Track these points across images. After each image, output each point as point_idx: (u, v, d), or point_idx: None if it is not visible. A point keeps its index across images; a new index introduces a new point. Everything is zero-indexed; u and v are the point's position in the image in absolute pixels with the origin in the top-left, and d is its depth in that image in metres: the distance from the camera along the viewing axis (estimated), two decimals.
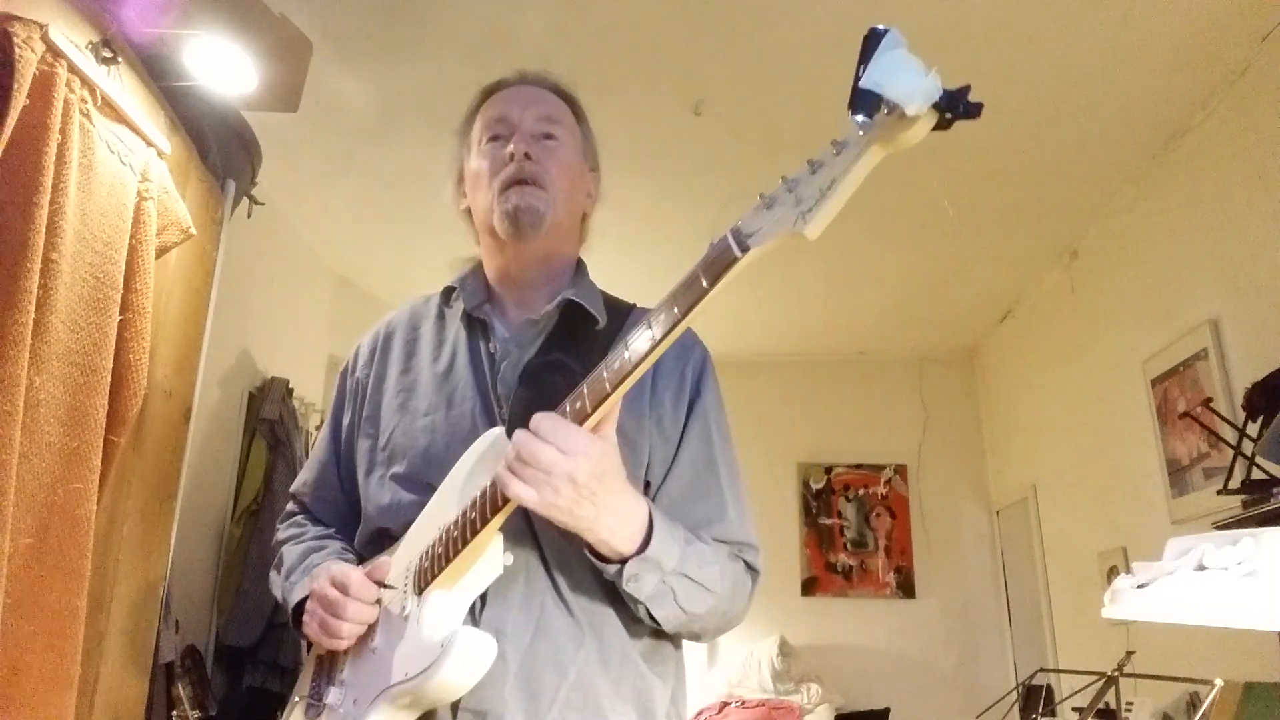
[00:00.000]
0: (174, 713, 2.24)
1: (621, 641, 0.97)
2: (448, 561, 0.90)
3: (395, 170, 3.21)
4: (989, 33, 2.41)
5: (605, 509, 0.84)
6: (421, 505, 0.98)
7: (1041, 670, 3.02)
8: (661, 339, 0.78)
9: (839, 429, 4.98)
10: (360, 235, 3.78)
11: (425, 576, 0.92)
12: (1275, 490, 2.07)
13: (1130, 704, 2.41)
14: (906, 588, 4.72)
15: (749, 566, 1.01)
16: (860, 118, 0.65)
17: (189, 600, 2.73)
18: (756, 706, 4.03)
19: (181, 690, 2.30)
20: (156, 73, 1.77)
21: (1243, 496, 2.19)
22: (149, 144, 1.67)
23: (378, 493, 1.05)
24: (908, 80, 0.63)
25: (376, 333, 1.18)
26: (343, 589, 0.96)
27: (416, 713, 0.92)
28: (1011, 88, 2.63)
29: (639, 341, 0.79)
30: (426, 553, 0.94)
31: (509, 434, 0.93)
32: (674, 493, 1.01)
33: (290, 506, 1.23)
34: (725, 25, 2.44)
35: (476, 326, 1.10)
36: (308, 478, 1.20)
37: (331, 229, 3.71)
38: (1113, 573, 3.15)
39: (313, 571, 1.05)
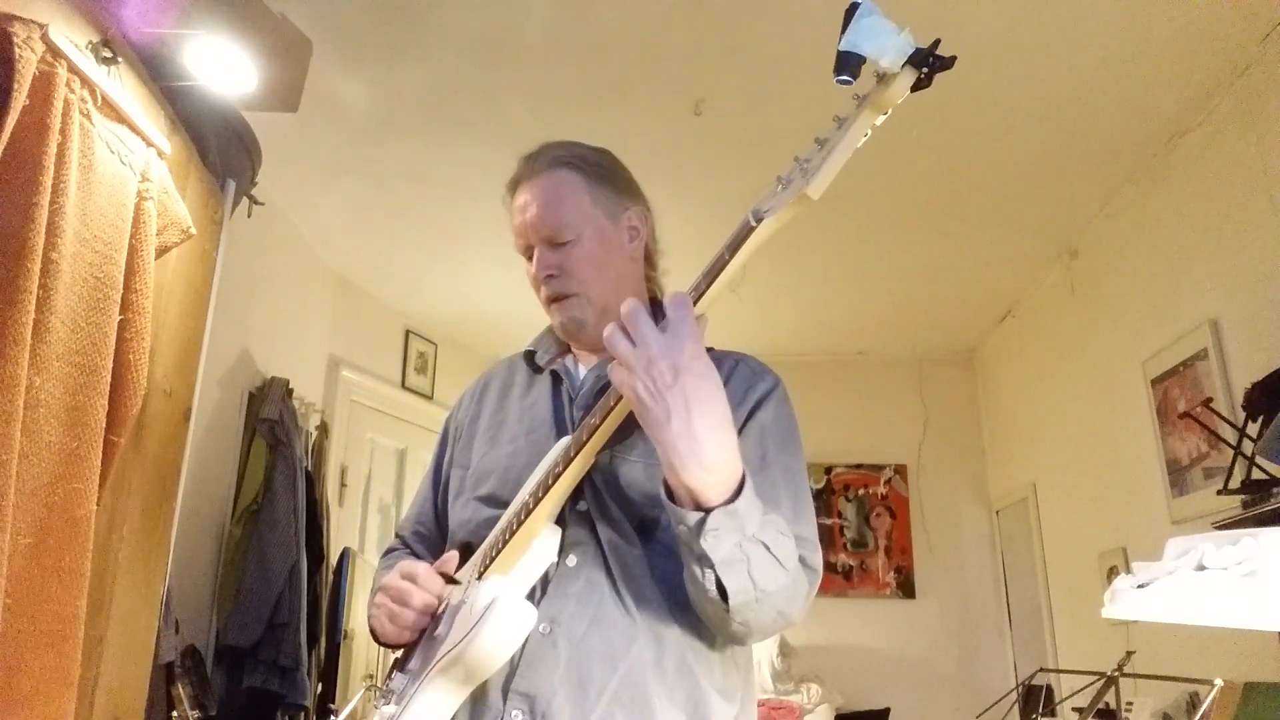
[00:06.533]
0: (174, 713, 2.24)
1: (680, 652, 0.97)
2: (504, 545, 0.97)
3: (395, 170, 3.21)
4: (989, 33, 2.41)
5: (693, 416, 0.81)
6: (498, 519, 1.04)
7: (1041, 670, 3.02)
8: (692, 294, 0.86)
9: (839, 429, 4.97)
10: (360, 235, 3.77)
11: (485, 563, 1.00)
12: (1275, 490, 2.07)
13: (1130, 704, 2.41)
14: (906, 588, 4.72)
15: (805, 563, 0.96)
16: (845, 78, 0.73)
17: (189, 600, 2.73)
18: (757, 707, 4.03)
19: (181, 690, 2.30)
20: (156, 73, 1.77)
21: (1243, 496, 2.19)
22: (149, 144, 1.67)
23: (461, 511, 1.13)
24: (881, 39, 0.72)
25: (478, 383, 1.29)
26: (411, 579, 1.03)
27: (468, 688, 0.96)
28: (1012, 88, 2.63)
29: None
30: (491, 545, 1.01)
31: None
32: None
33: (392, 542, 1.31)
34: (725, 25, 2.44)
35: (559, 374, 1.19)
36: (410, 514, 1.29)
37: (331, 229, 3.71)
38: (1113, 573, 3.15)
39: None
